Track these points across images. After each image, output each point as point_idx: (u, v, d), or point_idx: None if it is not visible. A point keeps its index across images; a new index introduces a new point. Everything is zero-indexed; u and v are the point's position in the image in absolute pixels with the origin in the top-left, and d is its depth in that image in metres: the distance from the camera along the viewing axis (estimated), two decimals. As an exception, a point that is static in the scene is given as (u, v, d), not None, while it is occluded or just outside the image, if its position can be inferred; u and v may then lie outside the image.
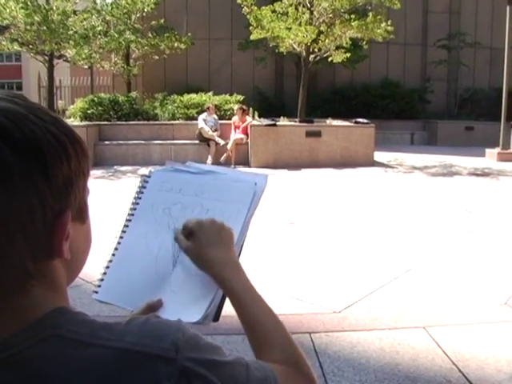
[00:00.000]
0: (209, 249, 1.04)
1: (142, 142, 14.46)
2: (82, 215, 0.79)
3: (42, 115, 0.72)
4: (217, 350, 0.79)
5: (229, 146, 13.84)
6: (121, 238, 1.16)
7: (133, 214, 1.18)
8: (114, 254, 1.15)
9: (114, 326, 0.73)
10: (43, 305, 0.72)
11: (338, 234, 7.04)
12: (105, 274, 1.13)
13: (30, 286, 0.71)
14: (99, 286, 1.12)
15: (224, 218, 1.10)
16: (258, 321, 1.04)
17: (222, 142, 13.89)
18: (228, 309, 3.60)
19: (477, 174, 12.83)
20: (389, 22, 15.06)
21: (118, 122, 15.41)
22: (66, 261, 0.75)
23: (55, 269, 0.75)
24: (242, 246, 1.15)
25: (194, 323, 1.02)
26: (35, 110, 0.72)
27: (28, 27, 15.27)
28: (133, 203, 1.19)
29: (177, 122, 15.55)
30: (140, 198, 1.20)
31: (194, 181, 1.19)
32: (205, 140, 14.05)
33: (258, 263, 5.69)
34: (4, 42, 16.06)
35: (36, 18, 15.02)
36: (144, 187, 1.21)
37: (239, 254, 1.14)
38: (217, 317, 1.08)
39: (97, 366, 0.68)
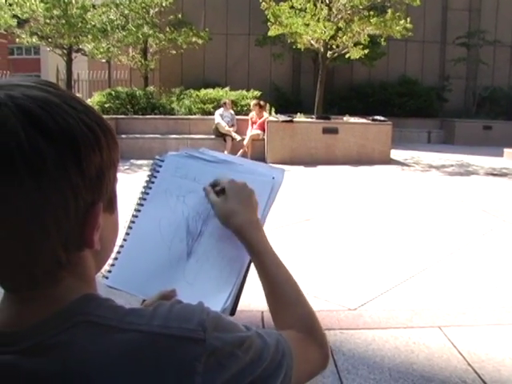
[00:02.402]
0: (237, 206, 1.08)
1: (159, 136, 14.50)
2: (111, 206, 0.79)
3: (75, 104, 0.71)
4: (237, 326, 0.81)
5: (245, 142, 13.84)
6: (132, 222, 1.13)
7: (145, 199, 1.15)
8: (125, 239, 1.12)
9: (141, 311, 0.75)
10: (73, 294, 0.73)
11: (353, 231, 7.02)
12: (116, 259, 1.10)
13: (61, 276, 0.72)
14: (109, 271, 1.10)
15: None
16: (277, 283, 1.08)
17: (238, 138, 13.89)
18: (243, 303, 3.61)
19: (494, 174, 12.71)
20: (408, 19, 14.95)
21: (135, 116, 15.47)
22: (96, 251, 0.76)
23: (85, 259, 0.76)
24: None
25: None
26: (68, 99, 0.71)
27: (47, 21, 15.38)
28: (145, 186, 1.17)
29: (193, 116, 15.59)
30: (153, 182, 1.17)
31: (209, 170, 1.17)
32: (221, 135, 14.06)
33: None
34: (24, 36, 16.20)
35: (55, 12, 15.13)
36: (157, 171, 1.18)
37: None
38: (233, 310, 1.07)
39: (127, 350, 0.69)
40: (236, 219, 1.07)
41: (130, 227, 1.13)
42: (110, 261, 1.07)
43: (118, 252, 1.11)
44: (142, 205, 1.15)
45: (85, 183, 0.69)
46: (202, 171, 1.17)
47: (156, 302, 0.79)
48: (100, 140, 0.72)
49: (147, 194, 1.16)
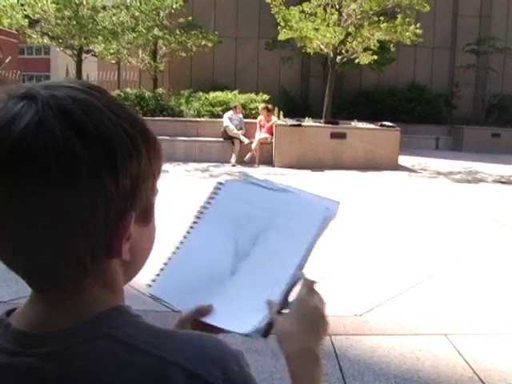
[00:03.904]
0: (295, 328, 0.95)
1: (167, 137, 14.51)
2: (146, 217, 0.77)
3: (118, 111, 0.71)
4: None
5: (253, 145, 13.86)
6: (184, 237, 1.16)
7: (199, 218, 1.18)
8: (174, 253, 1.14)
9: (171, 336, 0.72)
10: (100, 303, 0.73)
11: (360, 237, 7.01)
12: (162, 269, 1.13)
13: (87, 282, 0.72)
14: (154, 280, 1.12)
15: (290, 238, 1.08)
16: None
17: (246, 141, 13.91)
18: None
19: (502, 182, 12.67)
20: (418, 25, 14.94)
21: (144, 118, 15.44)
22: (126, 261, 0.74)
23: (114, 268, 0.74)
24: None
25: (242, 334, 0.99)
26: (112, 105, 0.71)
27: (58, 21, 15.48)
28: (202, 207, 1.19)
29: (202, 119, 15.62)
30: (210, 204, 1.19)
31: (265, 196, 1.18)
32: (229, 138, 14.08)
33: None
34: (35, 36, 16.31)
35: (66, 13, 15.22)
36: (216, 193, 1.20)
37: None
38: (266, 333, 1.02)
39: (144, 374, 0.67)
40: (287, 344, 0.95)
41: (181, 242, 1.15)
42: (156, 271, 1.11)
43: (165, 263, 1.13)
44: (196, 222, 1.17)
45: (118, 191, 0.68)
46: (259, 196, 1.18)
47: (196, 332, 0.77)
48: (140, 150, 0.70)
49: (202, 213, 1.18)
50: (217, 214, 1.17)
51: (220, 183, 1.22)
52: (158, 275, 1.12)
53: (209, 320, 1.01)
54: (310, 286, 1.01)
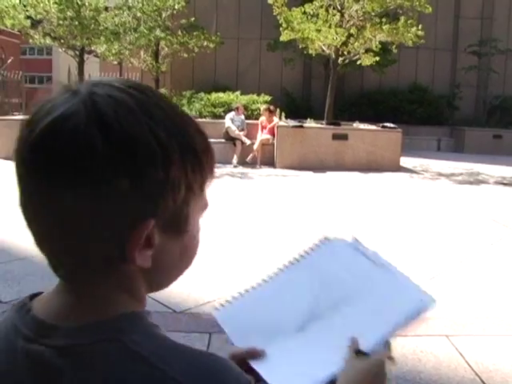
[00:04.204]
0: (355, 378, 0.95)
1: (169, 139, 14.54)
2: (177, 227, 0.74)
3: (157, 114, 0.69)
4: None
5: (255, 146, 13.86)
6: (270, 277, 1.14)
7: (293, 264, 1.16)
8: (254, 287, 1.12)
9: (181, 352, 0.70)
10: (117, 306, 0.73)
11: (362, 238, 6.99)
12: (235, 298, 1.10)
13: (103, 283, 0.72)
14: (223, 305, 1.10)
15: (373, 316, 1.05)
16: None
17: (247, 142, 13.91)
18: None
19: (504, 183, 12.66)
20: (419, 27, 14.93)
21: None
22: (146, 269, 0.72)
23: (132, 274, 0.73)
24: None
25: None
26: (151, 107, 0.70)
27: (60, 22, 15.48)
28: (300, 254, 1.18)
29: (203, 120, 15.61)
30: (308, 254, 1.18)
31: (364, 266, 1.15)
32: (231, 139, 14.09)
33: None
34: (37, 36, 16.30)
35: (69, 14, 15.23)
36: (319, 246, 1.19)
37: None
38: None
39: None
40: None
41: (265, 280, 1.14)
42: (228, 297, 1.09)
43: (241, 294, 1.11)
44: (287, 267, 1.16)
45: (135, 195, 0.67)
46: (357, 265, 1.16)
47: (211, 354, 0.73)
48: (170, 158, 0.68)
49: (298, 260, 1.17)
50: (310, 267, 1.15)
51: (327, 238, 1.20)
52: (228, 302, 1.10)
53: (256, 365, 0.97)
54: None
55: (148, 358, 0.67)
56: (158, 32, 17.56)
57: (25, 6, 15.39)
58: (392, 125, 15.19)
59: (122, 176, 0.66)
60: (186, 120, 0.74)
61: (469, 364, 3.61)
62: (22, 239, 6.25)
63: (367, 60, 15.40)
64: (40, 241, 0.72)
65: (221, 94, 16.94)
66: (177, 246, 0.76)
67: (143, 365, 0.66)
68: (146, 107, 0.69)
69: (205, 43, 18.72)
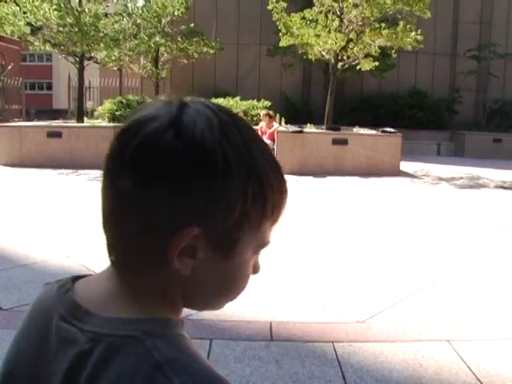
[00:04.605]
0: None
1: (169, 144, 14.56)
2: (223, 250, 0.75)
3: (234, 136, 0.73)
4: None
5: (255, 152, 13.86)
6: None
7: None
8: None
9: (194, 370, 0.70)
10: (153, 308, 0.76)
11: (362, 243, 7.01)
12: None
13: (145, 282, 0.76)
14: None
15: None
16: None
17: (247, 147, 13.91)
18: (252, 314, 3.64)
19: (504, 187, 12.66)
20: (418, 31, 14.97)
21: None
22: (184, 280, 0.75)
23: (171, 279, 0.75)
24: None
25: None
26: (230, 128, 0.74)
27: (60, 29, 15.51)
28: None
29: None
30: None
31: None
32: (231, 145, 14.09)
33: (282, 270, 5.69)
34: (37, 43, 16.34)
35: (68, 20, 15.26)
36: None
37: None
38: None
39: None
40: None
41: None
42: None
43: None
44: None
45: (188, 202, 0.71)
46: None
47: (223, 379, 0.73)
48: (232, 178, 0.71)
49: None
50: None
51: None
52: None
53: None
54: None
55: (162, 366, 0.68)
56: (157, 38, 17.63)
57: (25, 13, 15.42)
58: (392, 129, 15.21)
59: (176, 180, 0.70)
60: (266, 157, 0.78)
61: (470, 369, 3.60)
62: (22, 246, 6.25)
63: (367, 65, 15.43)
64: (104, 224, 0.78)
65: (221, 100, 16.98)
66: (219, 270, 0.77)
67: (154, 370, 0.68)
68: (226, 128, 0.73)
69: (204, 49, 18.80)
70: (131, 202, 0.71)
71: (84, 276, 0.85)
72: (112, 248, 0.78)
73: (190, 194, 0.70)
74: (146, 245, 0.73)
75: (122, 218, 0.74)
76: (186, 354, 0.72)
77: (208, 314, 3.94)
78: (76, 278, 0.85)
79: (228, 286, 0.80)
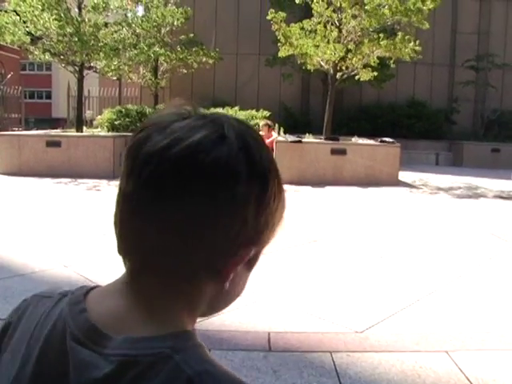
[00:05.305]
0: None
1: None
2: (254, 262, 0.80)
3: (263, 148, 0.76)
4: None
5: (254, 161, 13.87)
6: None
7: None
8: None
9: (222, 379, 0.72)
10: (174, 322, 0.75)
11: (361, 253, 7.01)
12: None
13: (167, 295, 0.76)
14: None
15: None
16: None
17: (246, 157, 13.92)
18: (250, 324, 3.65)
19: (503, 197, 12.68)
20: (417, 42, 15.04)
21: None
22: (218, 291, 0.77)
23: (206, 293, 0.77)
24: None
25: None
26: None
27: (60, 38, 15.55)
28: None
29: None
30: None
31: None
32: (230, 154, 14.10)
33: (280, 280, 5.69)
34: (36, 52, 16.38)
35: (68, 30, 15.30)
36: None
37: None
38: None
39: None
40: None
41: None
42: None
43: None
44: None
45: (255, 221, 0.74)
46: None
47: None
48: (274, 196, 0.76)
49: None
50: None
51: None
52: None
53: None
54: None
55: (193, 379, 0.69)
56: (157, 48, 17.69)
57: (25, 23, 15.47)
58: (390, 139, 15.25)
59: (250, 202, 0.73)
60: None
61: (469, 379, 3.60)
62: (21, 255, 6.25)
63: (365, 75, 15.49)
64: (134, 239, 0.74)
65: (220, 110, 16.97)
66: (243, 280, 0.80)
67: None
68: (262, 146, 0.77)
69: (204, 59, 18.86)
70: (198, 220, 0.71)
71: (91, 288, 0.82)
72: (138, 260, 0.76)
73: (256, 215, 0.73)
74: (197, 257, 0.73)
75: (181, 236, 0.72)
76: (212, 365, 0.72)
77: (206, 325, 3.93)
78: (86, 293, 0.81)
79: (240, 292, 0.82)
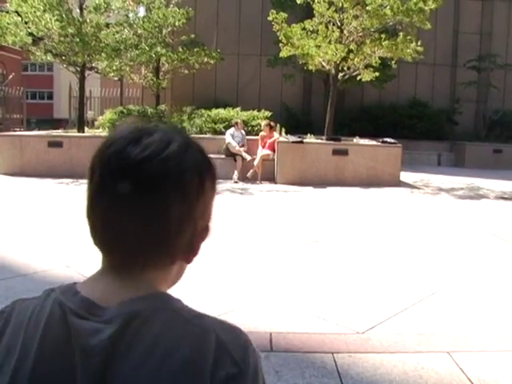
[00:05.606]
0: None
1: (169, 154, 14.57)
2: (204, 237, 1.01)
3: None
4: None
5: (255, 162, 13.89)
6: None
7: None
8: None
9: (208, 316, 0.93)
10: (154, 288, 0.94)
11: (362, 253, 7.01)
12: None
13: (154, 271, 0.95)
14: None
15: None
16: None
17: (248, 158, 13.94)
18: (251, 324, 3.65)
19: (505, 198, 12.66)
20: (419, 42, 15.03)
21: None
22: (183, 266, 1.01)
23: (173, 269, 0.98)
24: None
25: None
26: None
27: (62, 39, 15.57)
28: None
29: (204, 135, 15.65)
30: None
31: None
32: (231, 155, 14.11)
33: (282, 280, 5.69)
34: (38, 53, 16.40)
35: (70, 30, 15.32)
36: None
37: None
38: None
39: (191, 338, 0.87)
40: None
41: None
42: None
43: None
44: None
45: (202, 209, 0.97)
46: None
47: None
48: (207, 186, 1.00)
49: None
50: None
51: None
52: None
53: None
54: None
55: (191, 320, 0.90)
56: (158, 48, 17.69)
57: (26, 23, 15.49)
58: (392, 140, 15.22)
59: (197, 189, 0.94)
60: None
61: (471, 380, 3.59)
62: (23, 256, 6.25)
63: (367, 75, 15.48)
64: (114, 236, 0.91)
65: (221, 110, 17.00)
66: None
67: (188, 325, 0.89)
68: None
69: (205, 59, 18.85)
70: (170, 213, 0.90)
71: (75, 283, 0.96)
72: (122, 252, 0.92)
73: (200, 200, 0.94)
74: (179, 241, 0.93)
75: (159, 229, 0.90)
76: (191, 308, 0.93)
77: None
78: (74, 283, 0.96)
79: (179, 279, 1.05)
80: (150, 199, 0.87)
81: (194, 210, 0.92)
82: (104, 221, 0.90)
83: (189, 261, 0.98)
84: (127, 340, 0.85)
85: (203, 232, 0.96)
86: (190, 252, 0.96)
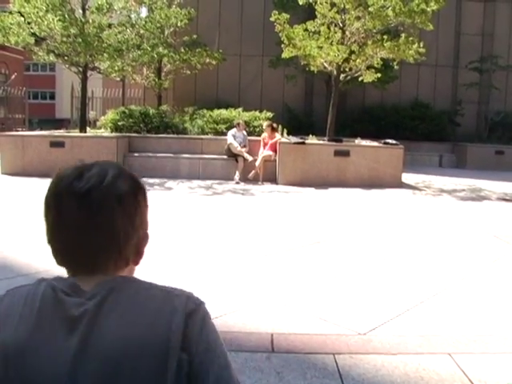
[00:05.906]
0: None
1: (171, 155, 14.59)
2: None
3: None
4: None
5: (257, 163, 13.89)
6: None
7: None
8: None
9: (158, 285, 1.21)
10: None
11: (364, 254, 7.00)
12: None
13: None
14: None
15: None
16: None
17: (250, 158, 13.95)
18: (253, 325, 3.65)
19: (506, 200, 12.65)
20: (421, 44, 15.02)
21: (148, 135, 15.59)
22: (133, 268, 1.30)
23: (132, 271, 1.30)
24: None
25: None
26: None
27: (64, 39, 15.56)
28: None
29: (206, 136, 15.67)
30: None
31: None
32: (233, 156, 14.12)
33: (284, 281, 5.69)
34: (40, 53, 16.40)
35: (72, 31, 15.31)
36: None
37: None
38: None
39: (157, 302, 1.15)
40: None
41: None
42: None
43: None
44: None
45: (141, 220, 1.27)
46: None
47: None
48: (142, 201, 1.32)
49: None
50: None
51: None
52: None
53: None
54: None
55: (153, 286, 1.19)
56: (160, 49, 17.70)
57: (29, 24, 15.49)
58: (394, 141, 15.21)
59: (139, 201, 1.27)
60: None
61: (472, 382, 3.59)
62: (24, 256, 6.26)
63: (369, 76, 15.48)
64: (77, 251, 1.20)
65: (223, 111, 16.99)
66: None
67: (152, 289, 1.19)
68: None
69: (207, 60, 18.85)
70: (117, 224, 1.19)
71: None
72: (80, 260, 1.20)
73: (138, 212, 1.23)
74: (128, 251, 1.22)
75: (115, 238, 1.20)
76: (154, 283, 1.22)
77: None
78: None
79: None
80: (99, 218, 1.15)
81: (133, 220, 1.20)
82: (67, 242, 1.19)
83: (137, 263, 1.27)
84: (108, 305, 1.11)
85: (144, 238, 1.25)
86: (137, 255, 1.25)
